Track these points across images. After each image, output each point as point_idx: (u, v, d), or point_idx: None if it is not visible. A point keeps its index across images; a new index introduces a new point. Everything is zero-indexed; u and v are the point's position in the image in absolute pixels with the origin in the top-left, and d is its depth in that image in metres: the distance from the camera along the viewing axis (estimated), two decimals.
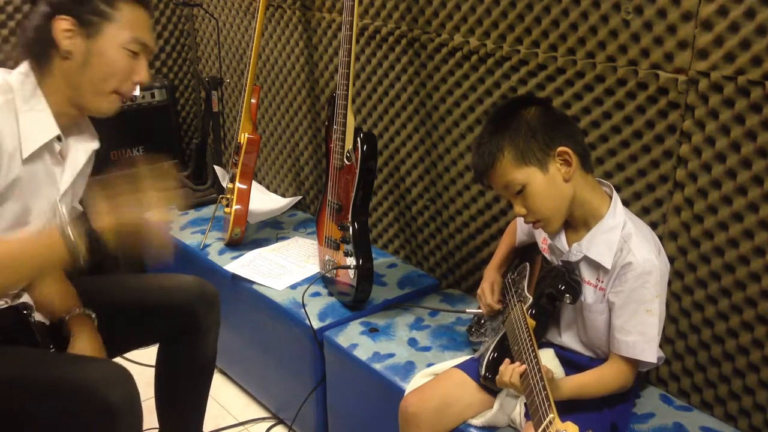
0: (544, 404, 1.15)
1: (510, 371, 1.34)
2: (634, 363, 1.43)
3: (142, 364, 2.09)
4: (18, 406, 1.34)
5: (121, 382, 1.34)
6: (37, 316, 1.51)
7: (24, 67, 1.40)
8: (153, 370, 1.80)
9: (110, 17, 1.38)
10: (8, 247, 1.30)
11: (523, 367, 1.30)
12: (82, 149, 1.52)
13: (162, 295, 1.70)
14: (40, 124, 1.39)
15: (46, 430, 1.35)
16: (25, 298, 1.50)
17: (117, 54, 1.40)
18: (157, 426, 1.83)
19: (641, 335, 1.40)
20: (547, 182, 1.41)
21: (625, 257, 1.41)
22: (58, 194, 1.47)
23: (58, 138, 1.44)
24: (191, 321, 1.70)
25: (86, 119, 1.54)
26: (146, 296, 1.69)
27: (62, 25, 1.35)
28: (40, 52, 1.38)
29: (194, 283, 1.73)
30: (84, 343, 1.50)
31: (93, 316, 1.55)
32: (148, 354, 1.81)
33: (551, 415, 1.11)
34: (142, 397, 1.39)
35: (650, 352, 1.41)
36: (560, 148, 1.41)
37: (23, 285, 1.47)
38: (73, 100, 1.42)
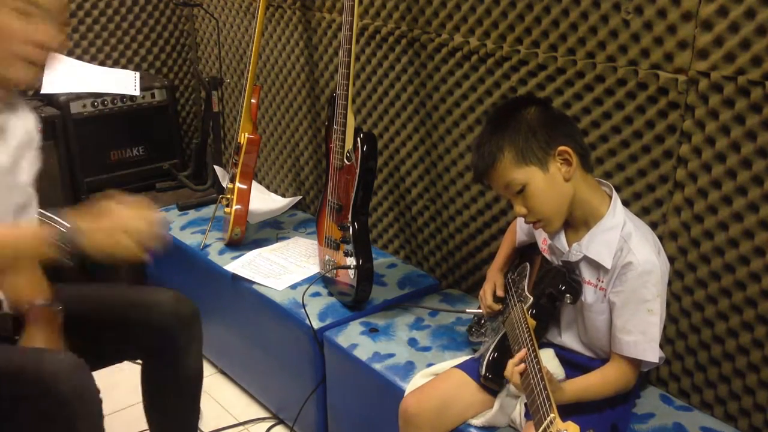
0: (545, 404, 1.15)
1: (510, 371, 1.34)
2: (636, 363, 1.43)
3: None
4: None
5: (73, 373, 1.34)
6: (5, 308, 1.50)
7: None
8: None
9: None
10: None
11: (523, 365, 1.30)
12: (21, 126, 1.49)
13: (138, 311, 1.64)
14: None
15: (7, 415, 1.36)
16: None
17: (3, 17, 1.32)
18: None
19: (642, 335, 1.40)
20: (547, 182, 1.41)
21: (625, 257, 1.40)
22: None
23: None
24: (167, 339, 1.63)
25: (21, 100, 1.51)
26: (123, 311, 1.64)
27: None
28: None
29: (169, 300, 1.65)
30: (36, 335, 1.48)
31: (59, 308, 1.52)
32: None
33: (552, 415, 1.11)
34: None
35: (652, 352, 1.41)
36: (560, 148, 1.41)
37: None
38: None
